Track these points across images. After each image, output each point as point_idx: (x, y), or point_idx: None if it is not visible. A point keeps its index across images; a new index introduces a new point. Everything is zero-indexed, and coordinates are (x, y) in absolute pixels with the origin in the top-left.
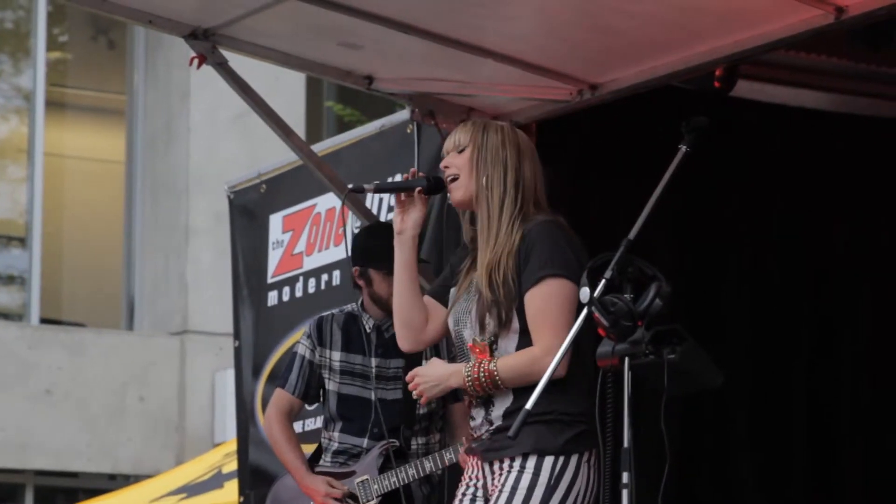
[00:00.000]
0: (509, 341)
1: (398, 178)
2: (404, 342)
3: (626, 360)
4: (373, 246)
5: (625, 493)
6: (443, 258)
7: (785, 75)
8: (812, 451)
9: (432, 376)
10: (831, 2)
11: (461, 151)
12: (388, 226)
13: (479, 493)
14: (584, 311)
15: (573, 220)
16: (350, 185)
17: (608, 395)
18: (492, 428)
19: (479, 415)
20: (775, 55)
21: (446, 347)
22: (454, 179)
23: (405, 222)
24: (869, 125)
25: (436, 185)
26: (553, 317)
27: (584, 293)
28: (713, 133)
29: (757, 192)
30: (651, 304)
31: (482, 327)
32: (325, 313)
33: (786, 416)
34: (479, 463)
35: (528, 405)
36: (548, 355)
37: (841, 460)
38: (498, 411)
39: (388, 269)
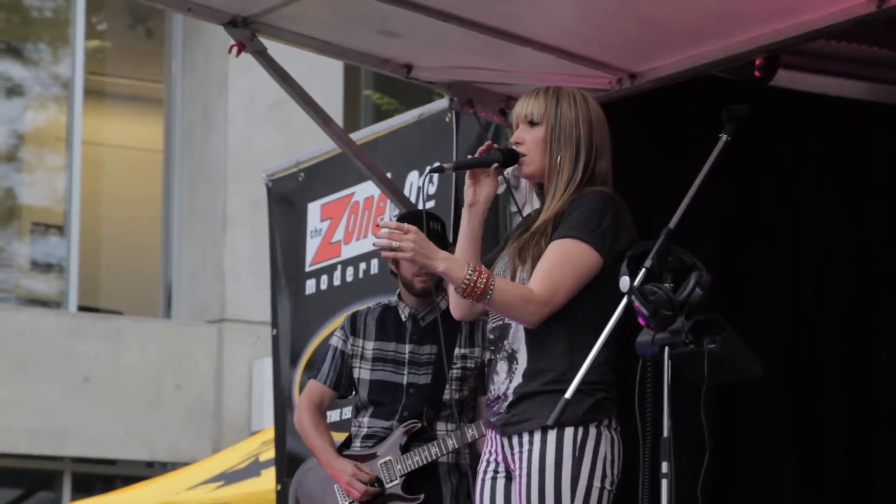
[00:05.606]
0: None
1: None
2: (457, 310)
3: (666, 349)
4: None
5: (664, 483)
6: (499, 231)
7: (826, 65)
8: (848, 444)
9: (428, 247)
10: None
11: (533, 125)
12: (418, 213)
13: (501, 468)
14: (624, 300)
15: None
16: (429, 167)
17: (647, 385)
18: (510, 390)
19: (503, 370)
20: (816, 45)
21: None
22: (524, 156)
23: (477, 195)
24: None
25: (510, 158)
26: (560, 274)
27: (625, 282)
28: (753, 123)
29: (796, 183)
30: (691, 294)
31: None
32: (360, 308)
33: (821, 409)
34: (498, 437)
35: (568, 394)
36: (544, 307)
37: (878, 454)
38: (520, 368)
39: None
